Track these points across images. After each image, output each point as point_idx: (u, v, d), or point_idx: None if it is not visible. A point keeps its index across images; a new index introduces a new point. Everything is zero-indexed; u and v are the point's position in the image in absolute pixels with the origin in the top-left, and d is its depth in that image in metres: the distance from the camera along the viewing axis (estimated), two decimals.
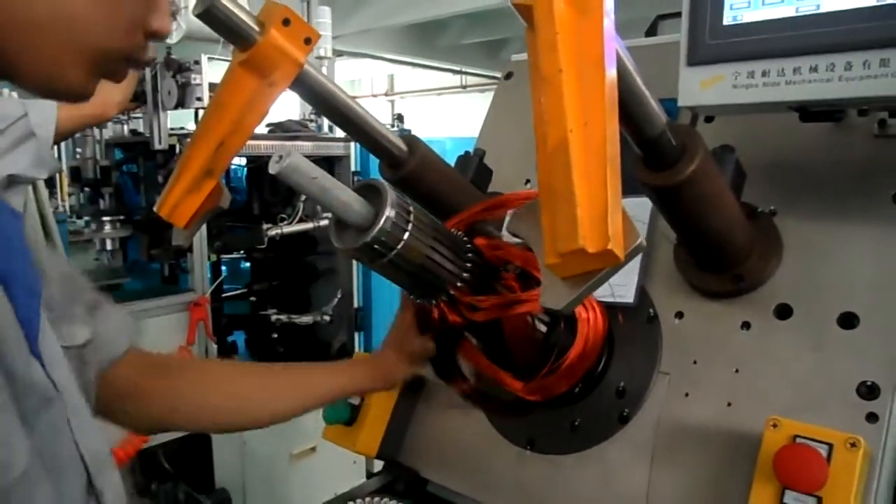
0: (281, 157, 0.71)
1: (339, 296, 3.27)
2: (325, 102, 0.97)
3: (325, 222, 3.10)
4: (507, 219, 0.94)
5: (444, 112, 13.00)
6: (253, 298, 3.20)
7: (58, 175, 6.55)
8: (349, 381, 1.11)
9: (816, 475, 0.73)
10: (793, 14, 0.83)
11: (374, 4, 7.13)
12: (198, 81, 2.35)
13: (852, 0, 0.79)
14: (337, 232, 0.83)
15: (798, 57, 0.83)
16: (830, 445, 0.76)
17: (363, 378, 1.11)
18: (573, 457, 1.04)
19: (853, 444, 0.75)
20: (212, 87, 2.37)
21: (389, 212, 0.78)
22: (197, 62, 2.37)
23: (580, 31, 0.58)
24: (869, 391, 0.84)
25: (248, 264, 3.31)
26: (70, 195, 6.62)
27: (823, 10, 0.81)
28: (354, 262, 3.26)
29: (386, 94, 14.03)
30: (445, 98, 13.12)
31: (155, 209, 0.93)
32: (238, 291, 3.16)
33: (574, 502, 1.03)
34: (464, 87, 12.36)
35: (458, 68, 10.75)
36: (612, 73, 0.57)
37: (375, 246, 0.78)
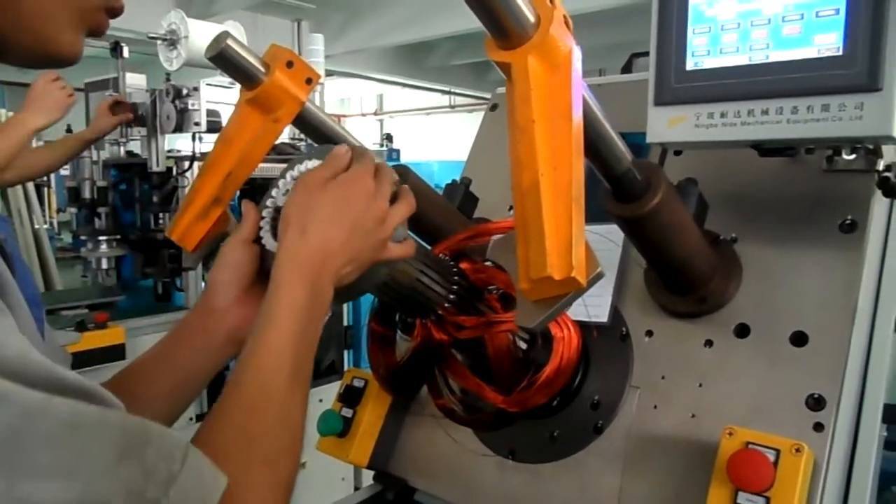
0: (287, 190, 0.79)
1: (328, 314, 3.33)
2: (323, 136, 1.05)
3: None
4: (490, 245, 1.02)
5: (432, 131, 13.12)
6: None
7: (46, 191, 6.59)
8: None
9: (764, 477, 0.82)
10: (746, 62, 0.92)
11: (364, 25, 7.25)
12: (196, 107, 2.43)
13: (797, 52, 0.88)
14: None
15: (751, 101, 0.92)
16: (778, 451, 0.84)
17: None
18: (551, 465, 1.11)
19: (797, 450, 0.83)
20: (210, 112, 2.45)
21: None
22: (196, 88, 2.45)
23: (552, 86, 0.67)
24: (816, 403, 0.92)
25: None
26: (59, 212, 6.65)
27: (772, 59, 0.90)
28: None
29: (375, 114, 14.16)
30: (434, 118, 13.26)
31: (166, 234, 1.01)
32: None
33: None
34: (452, 107, 12.52)
35: (446, 89, 10.90)
36: (578, 123, 0.66)
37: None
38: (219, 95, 2.50)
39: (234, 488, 0.59)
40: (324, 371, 3.40)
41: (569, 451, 1.10)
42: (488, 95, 1.60)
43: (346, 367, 3.42)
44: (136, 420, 0.55)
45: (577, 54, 0.70)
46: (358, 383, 1.31)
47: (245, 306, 0.86)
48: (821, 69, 0.86)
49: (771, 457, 0.83)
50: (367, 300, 1.05)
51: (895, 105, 0.81)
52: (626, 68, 1.51)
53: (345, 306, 3.41)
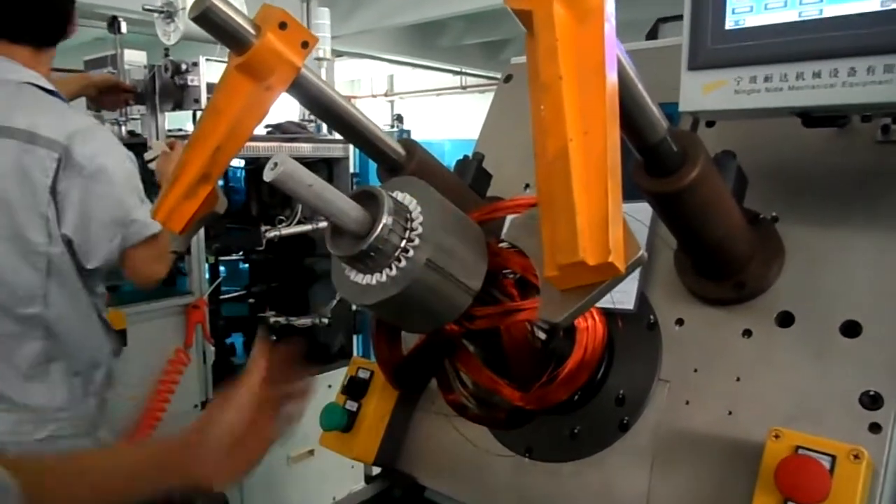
0: (276, 164, 0.70)
1: (337, 298, 3.25)
2: (322, 106, 0.96)
3: (323, 224, 3.09)
4: (506, 225, 0.93)
5: (443, 113, 13.00)
6: (251, 300, 3.19)
7: None
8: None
9: (819, 488, 0.72)
10: (796, 19, 0.82)
11: (373, 5, 7.14)
12: (196, 83, 2.34)
13: (856, 5, 0.78)
14: (333, 238, 0.82)
15: (801, 62, 0.82)
16: (833, 457, 0.75)
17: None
18: (572, 465, 1.03)
19: (856, 456, 0.74)
20: (210, 88, 2.36)
21: (386, 219, 0.76)
22: (195, 64, 2.36)
23: (580, 38, 0.57)
24: (872, 401, 0.83)
25: (246, 266, 3.30)
26: None
27: (826, 14, 0.80)
28: None
29: (386, 95, 14.04)
30: (445, 99, 13.12)
31: (150, 215, 0.92)
32: (236, 293, 3.15)
33: None
34: (463, 87, 12.37)
35: (457, 69, 10.77)
36: (612, 80, 0.56)
37: (372, 253, 0.77)
38: (220, 72, 2.39)
39: None
40: (334, 355, 3.33)
41: (591, 450, 1.03)
42: (500, 75, 1.50)
43: (354, 352, 3.35)
44: None
45: (610, 1, 0.60)
46: (363, 374, 1.23)
47: None
48: (884, 24, 0.77)
49: (826, 464, 0.74)
50: None
51: None
52: (652, 34, 1.40)
53: None
